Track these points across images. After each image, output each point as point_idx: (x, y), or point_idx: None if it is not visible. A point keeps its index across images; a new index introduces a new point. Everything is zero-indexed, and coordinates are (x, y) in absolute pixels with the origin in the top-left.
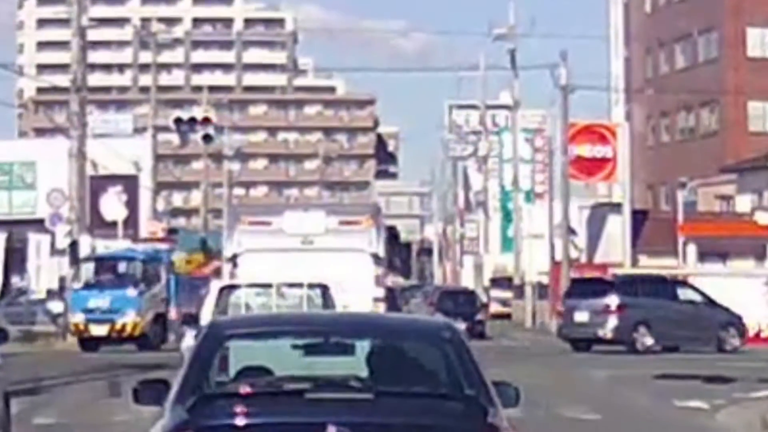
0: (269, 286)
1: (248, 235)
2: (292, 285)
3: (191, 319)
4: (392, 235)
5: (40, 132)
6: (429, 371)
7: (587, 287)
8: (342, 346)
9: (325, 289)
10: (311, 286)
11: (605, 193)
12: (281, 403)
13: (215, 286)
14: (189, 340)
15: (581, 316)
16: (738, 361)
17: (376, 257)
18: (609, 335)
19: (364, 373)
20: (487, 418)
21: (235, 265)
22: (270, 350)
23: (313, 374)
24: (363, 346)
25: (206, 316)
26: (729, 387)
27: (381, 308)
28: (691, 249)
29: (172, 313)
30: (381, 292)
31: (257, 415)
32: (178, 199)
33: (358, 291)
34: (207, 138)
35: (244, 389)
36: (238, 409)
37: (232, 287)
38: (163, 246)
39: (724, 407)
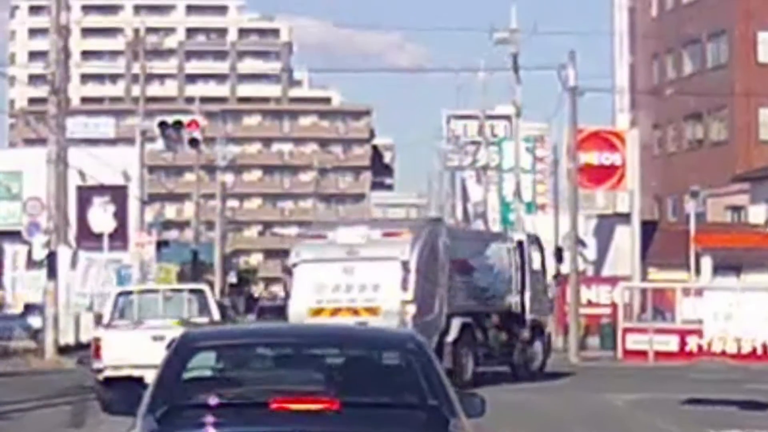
0: (157, 291)
1: (305, 247)
2: (175, 290)
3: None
4: (558, 250)
5: (30, 143)
6: (393, 382)
7: None
8: (309, 358)
9: (201, 292)
10: (191, 291)
11: (604, 203)
12: (249, 414)
13: (114, 291)
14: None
15: None
16: (764, 383)
17: (404, 264)
18: None
19: (331, 383)
20: (448, 428)
21: (291, 274)
22: (240, 361)
23: (280, 385)
24: (331, 357)
25: (106, 317)
26: (766, 413)
27: (410, 310)
28: (706, 261)
29: None
30: (409, 296)
31: (225, 425)
32: (171, 211)
33: (389, 294)
34: (193, 142)
35: (213, 400)
36: (207, 419)
37: (127, 292)
38: None
39: None
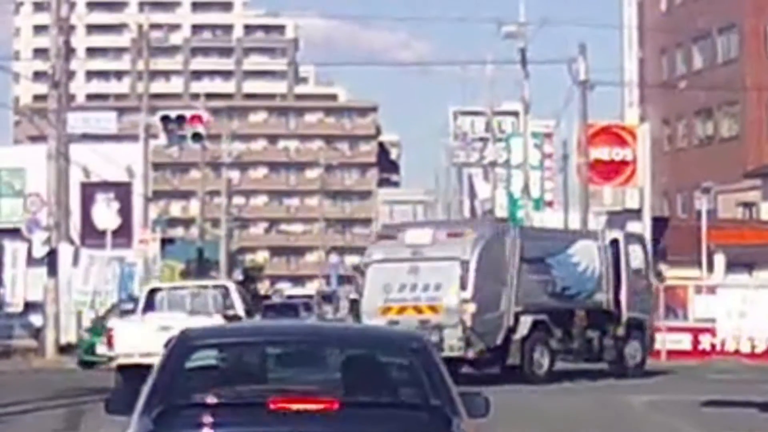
0: (184, 287)
1: (376, 248)
2: (201, 287)
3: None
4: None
5: (34, 140)
6: (396, 381)
7: None
8: (311, 357)
9: (226, 289)
10: (216, 287)
11: (611, 200)
12: (247, 414)
13: (145, 288)
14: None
15: None
16: None
17: (464, 264)
18: None
19: (331, 383)
20: (450, 428)
21: (362, 274)
22: (238, 360)
23: (279, 385)
24: (332, 357)
25: (138, 312)
26: None
27: (470, 308)
28: (719, 258)
29: None
30: (468, 294)
31: (223, 425)
32: (176, 208)
33: (450, 293)
34: (196, 137)
35: (211, 399)
36: (204, 419)
37: (157, 289)
38: None
39: None
